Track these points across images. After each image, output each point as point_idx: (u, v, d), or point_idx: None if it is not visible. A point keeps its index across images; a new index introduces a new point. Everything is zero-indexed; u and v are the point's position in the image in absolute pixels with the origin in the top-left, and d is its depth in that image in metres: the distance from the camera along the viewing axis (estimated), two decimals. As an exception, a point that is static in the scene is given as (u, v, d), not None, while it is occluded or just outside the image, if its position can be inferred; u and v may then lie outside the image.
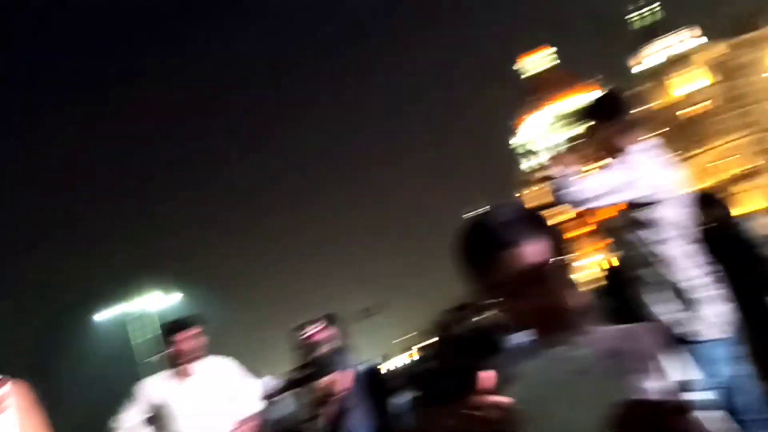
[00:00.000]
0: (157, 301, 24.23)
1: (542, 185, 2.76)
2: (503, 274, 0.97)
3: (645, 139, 2.82)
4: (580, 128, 3.10)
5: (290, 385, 5.71)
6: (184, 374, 3.66)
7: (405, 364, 17.82)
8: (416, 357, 20.67)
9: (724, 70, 54.71)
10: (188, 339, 3.69)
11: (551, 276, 0.98)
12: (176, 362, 3.66)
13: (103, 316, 24.61)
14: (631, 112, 2.92)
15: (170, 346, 3.67)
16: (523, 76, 79.12)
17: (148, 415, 3.65)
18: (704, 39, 58.92)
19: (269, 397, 8.05)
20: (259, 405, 4.02)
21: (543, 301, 0.97)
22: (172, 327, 3.80)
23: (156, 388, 3.66)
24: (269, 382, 8.26)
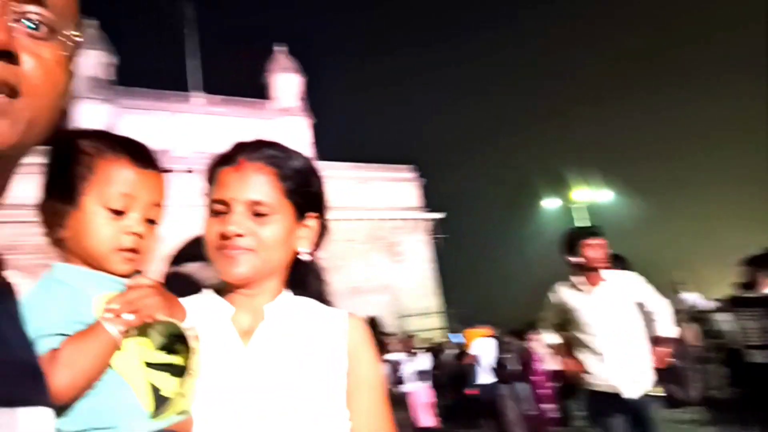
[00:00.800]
0: (593, 196, 24.39)
1: None
2: None
3: None
4: None
5: (733, 304, 5.05)
6: (591, 282, 3.54)
7: None
8: None
9: None
10: (595, 247, 3.52)
11: None
12: (583, 269, 3.55)
13: (550, 204, 26.06)
14: None
15: (576, 252, 3.56)
16: None
17: (560, 319, 3.69)
18: None
19: (700, 313, 7.33)
20: (673, 328, 3.63)
21: None
22: (580, 233, 3.66)
23: (566, 294, 3.65)
24: (698, 299, 7.51)
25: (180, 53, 29.43)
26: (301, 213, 1.08)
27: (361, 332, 1.09)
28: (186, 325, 0.89)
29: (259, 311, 1.06)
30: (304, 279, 1.13)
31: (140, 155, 0.95)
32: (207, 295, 1.11)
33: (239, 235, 1.01)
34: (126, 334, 0.84)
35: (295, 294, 1.12)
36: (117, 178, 0.91)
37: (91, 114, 25.36)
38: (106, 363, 0.81)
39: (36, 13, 0.60)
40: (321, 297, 1.13)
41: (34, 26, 0.61)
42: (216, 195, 1.05)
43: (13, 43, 0.58)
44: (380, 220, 31.76)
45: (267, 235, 1.02)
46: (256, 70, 31.56)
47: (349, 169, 31.53)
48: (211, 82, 29.62)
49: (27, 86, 0.60)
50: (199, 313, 1.04)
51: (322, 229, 1.14)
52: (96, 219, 0.90)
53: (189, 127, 27.64)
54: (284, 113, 29.99)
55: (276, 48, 31.96)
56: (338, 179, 30.48)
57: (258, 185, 1.03)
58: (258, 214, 1.02)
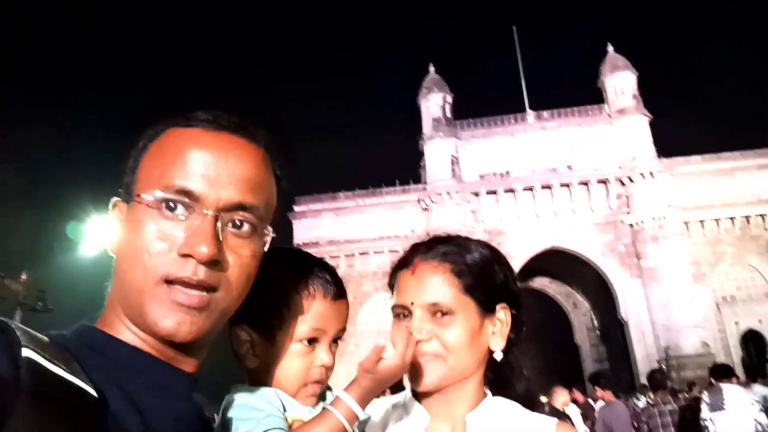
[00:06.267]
0: None
1: None
2: None
3: None
4: None
5: None
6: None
7: None
8: None
9: None
10: None
11: None
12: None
13: None
14: None
15: None
16: None
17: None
18: None
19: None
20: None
21: None
22: None
23: None
24: None
25: (511, 77, 30.22)
26: (486, 307, 1.01)
27: None
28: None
29: (459, 420, 1.00)
30: (504, 378, 1.05)
31: (332, 287, 0.95)
32: (405, 398, 1.06)
33: (423, 341, 0.97)
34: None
35: (494, 394, 1.04)
36: (312, 314, 0.92)
37: (437, 149, 28.08)
38: None
39: (241, 218, 0.73)
40: (523, 398, 1.03)
41: (239, 228, 0.73)
42: (397, 300, 1.03)
43: (220, 253, 0.69)
44: (757, 216, 26.85)
45: (450, 337, 0.97)
46: (587, 76, 30.17)
47: (704, 162, 27.58)
48: (543, 99, 29.47)
49: (226, 282, 0.71)
50: (395, 419, 1.02)
51: (516, 321, 1.05)
52: (288, 355, 0.91)
53: (527, 146, 28.10)
54: (620, 114, 28.06)
55: (608, 49, 30.30)
56: (693, 175, 27.05)
57: (433, 286, 0.98)
58: (438, 317, 0.98)
